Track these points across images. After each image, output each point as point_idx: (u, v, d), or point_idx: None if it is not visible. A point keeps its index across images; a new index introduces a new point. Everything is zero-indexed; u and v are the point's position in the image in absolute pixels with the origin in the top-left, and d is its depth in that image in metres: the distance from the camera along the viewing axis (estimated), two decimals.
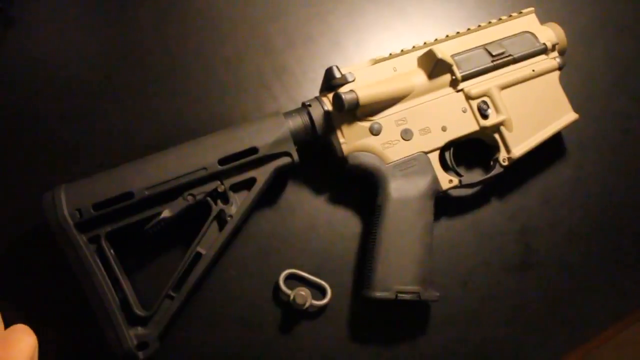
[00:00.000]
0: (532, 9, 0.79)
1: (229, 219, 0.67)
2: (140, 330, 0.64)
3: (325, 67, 0.70)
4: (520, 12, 0.78)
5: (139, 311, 0.64)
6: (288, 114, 0.71)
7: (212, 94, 0.79)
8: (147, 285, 0.68)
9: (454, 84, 0.73)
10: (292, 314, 0.70)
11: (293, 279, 0.71)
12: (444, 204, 0.74)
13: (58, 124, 0.76)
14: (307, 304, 0.68)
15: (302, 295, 0.68)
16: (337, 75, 0.69)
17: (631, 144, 0.81)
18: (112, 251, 0.66)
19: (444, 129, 0.72)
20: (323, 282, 0.71)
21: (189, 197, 0.67)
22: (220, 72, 0.80)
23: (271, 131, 0.69)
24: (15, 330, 0.55)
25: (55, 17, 0.82)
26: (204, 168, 0.66)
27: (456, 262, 0.74)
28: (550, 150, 0.78)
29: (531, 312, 0.73)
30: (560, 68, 0.76)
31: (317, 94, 0.74)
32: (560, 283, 0.74)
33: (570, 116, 0.75)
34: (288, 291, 0.69)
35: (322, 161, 0.75)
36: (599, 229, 0.77)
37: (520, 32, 0.77)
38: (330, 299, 0.70)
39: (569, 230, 0.77)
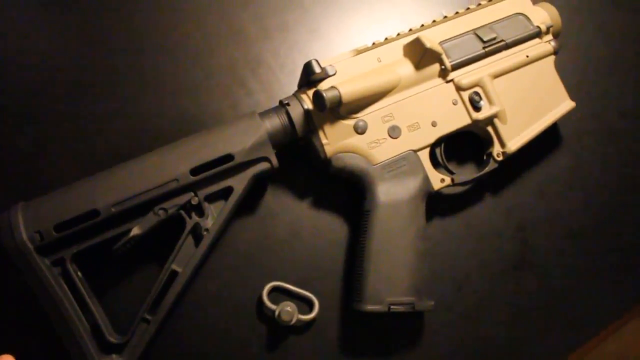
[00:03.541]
0: None
1: (205, 233, 0.62)
2: (115, 358, 0.60)
3: (304, 58, 0.66)
4: None
5: (112, 338, 0.61)
6: (264, 114, 0.65)
7: (181, 92, 0.73)
8: (120, 309, 0.64)
9: (443, 74, 0.68)
10: (278, 329, 0.67)
11: (278, 292, 0.67)
12: (434, 203, 0.70)
13: (15, 131, 0.71)
14: (294, 320, 0.64)
15: (288, 312, 0.64)
16: (317, 70, 0.64)
17: (629, 127, 0.78)
18: (79, 273, 0.62)
19: (433, 124, 0.67)
20: (310, 294, 0.67)
21: (161, 212, 0.62)
22: (189, 66, 0.74)
23: (247, 135, 0.63)
24: None
25: (15, 14, 0.75)
26: (175, 179, 0.61)
27: (450, 265, 0.70)
28: (545, 138, 0.73)
29: (529, 314, 0.70)
30: (555, 52, 0.71)
31: (295, 88, 0.68)
32: (559, 282, 0.71)
33: (567, 104, 0.71)
34: (273, 306, 0.65)
35: (304, 162, 0.70)
36: (599, 222, 0.74)
37: (512, 15, 0.72)
38: (318, 312, 0.66)
39: (567, 224, 0.73)
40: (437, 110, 0.67)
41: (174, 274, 0.62)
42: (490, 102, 0.68)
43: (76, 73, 0.73)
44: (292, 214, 0.70)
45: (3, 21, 0.75)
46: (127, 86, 0.73)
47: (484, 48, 0.69)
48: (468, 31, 0.70)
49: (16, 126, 0.71)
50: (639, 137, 0.77)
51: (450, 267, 0.70)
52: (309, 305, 0.67)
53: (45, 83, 0.73)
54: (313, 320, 0.67)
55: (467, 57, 0.69)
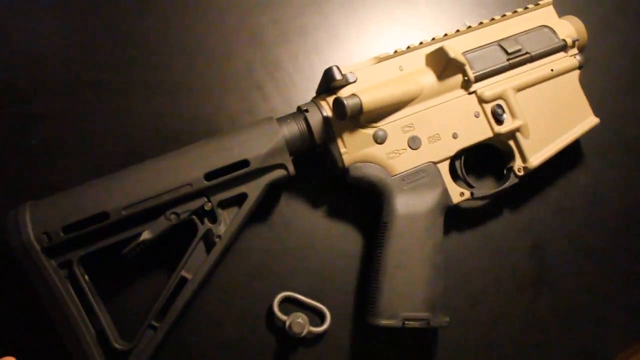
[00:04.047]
0: (549, 0, 0.71)
1: (217, 239, 0.61)
2: None
3: (323, 63, 0.65)
4: (537, 4, 0.71)
5: (117, 344, 0.59)
6: (282, 120, 0.64)
7: (196, 94, 0.72)
8: (126, 314, 0.63)
9: (466, 85, 0.66)
10: (288, 341, 0.65)
11: (289, 302, 0.65)
12: (451, 216, 0.68)
13: (24, 128, 0.69)
14: (305, 332, 0.62)
15: (299, 323, 0.62)
16: (338, 76, 0.62)
17: None
18: (86, 277, 0.60)
19: (454, 135, 0.65)
20: (322, 306, 0.65)
21: (172, 217, 0.60)
22: (205, 69, 0.73)
23: (264, 141, 0.62)
24: None
25: (24, 7, 0.74)
26: (189, 184, 0.59)
27: (466, 281, 0.69)
28: (565, 154, 0.71)
29: (545, 332, 0.68)
30: (580, 67, 0.70)
31: (313, 93, 0.67)
32: (575, 300, 0.70)
33: (591, 120, 0.69)
34: (283, 317, 0.63)
35: (320, 170, 0.69)
36: (618, 242, 0.72)
37: (538, 27, 0.70)
38: (330, 325, 0.64)
39: (585, 243, 0.71)
40: (459, 122, 0.66)
41: (183, 281, 0.60)
42: (513, 115, 0.67)
43: (91, 72, 0.72)
44: (306, 223, 0.68)
45: (21, 17, 0.74)
46: (141, 86, 0.72)
47: (508, 60, 0.67)
48: (492, 42, 0.68)
49: (28, 123, 0.69)
50: None
51: (465, 282, 0.68)
52: (321, 317, 0.65)
53: (58, 81, 0.71)
54: (324, 332, 0.65)
55: (490, 69, 0.67)
